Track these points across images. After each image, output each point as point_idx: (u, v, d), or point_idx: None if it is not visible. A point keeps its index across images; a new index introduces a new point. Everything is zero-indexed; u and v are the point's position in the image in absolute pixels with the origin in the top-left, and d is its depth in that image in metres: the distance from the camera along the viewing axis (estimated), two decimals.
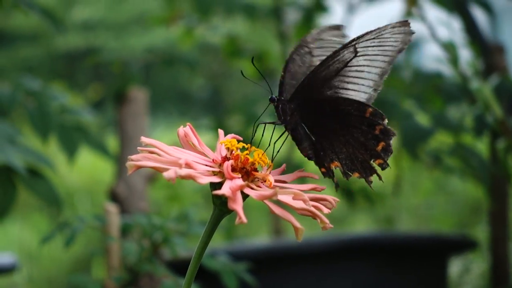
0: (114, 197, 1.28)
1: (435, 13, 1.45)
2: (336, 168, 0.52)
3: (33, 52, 10.89)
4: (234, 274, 0.92)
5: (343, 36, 0.59)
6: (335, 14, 1.74)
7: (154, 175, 1.38)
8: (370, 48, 0.52)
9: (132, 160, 0.45)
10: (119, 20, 9.95)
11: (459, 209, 3.14)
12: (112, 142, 1.54)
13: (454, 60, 1.27)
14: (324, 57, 0.53)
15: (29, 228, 3.90)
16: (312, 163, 0.53)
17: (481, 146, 1.48)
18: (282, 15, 1.51)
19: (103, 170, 3.06)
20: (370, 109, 0.51)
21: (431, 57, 1.32)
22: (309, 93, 0.52)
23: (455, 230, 2.54)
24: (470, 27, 1.49)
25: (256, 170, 0.47)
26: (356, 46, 0.51)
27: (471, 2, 1.45)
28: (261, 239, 2.44)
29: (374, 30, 0.51)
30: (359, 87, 0.53)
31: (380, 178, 0.52)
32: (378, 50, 0.52)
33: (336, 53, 0.51)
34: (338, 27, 0.59)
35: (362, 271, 1.29)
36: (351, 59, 0.52)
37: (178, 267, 1.15)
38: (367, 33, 0.51)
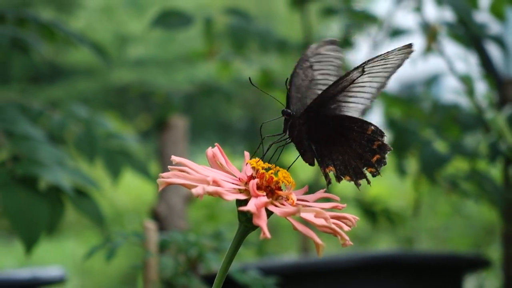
0: (155, 216, 1.27)
1: (453, 49, 1.43)
2: (330, 172, 0.52)
3: (88, 85, 11.00)
4: (263, 287, 0.90)
5: (338, 50, 0.59)
6: (361, 50, 1.73)
7: (193, 196, 1.36)
8: (375, 68, 0.52)
9: (162, 177, 0.43)
10: (167, 57, 10.08)
11: (474, 231, 3.14)
12: (154, 166, 1.53)
13: (470, 92, 1.25)
14: (323, 71, 0.57)
15: (82, 244, 3.92)
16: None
17: (495, 172, 1.46)
18: None
19: (150, 192, 3.07)
20: (372, 127, 0.51)
21: (449, 89, 1.29)
22: (317, 109, 0.52)
23: (470, 250, 2.51)
24: (485, 61, 1.47)
25: (280, 188, 0.45)
26: (365, 66, 0.51)
27: (486, 38, 1.43)
28: (290, 256, 2.42)
29: (384, 53, 0.51)
30: (359, 99, 0.54)
31: (368, 182, 0.51)
32: (381, 68, 0.52)
33: (347, 73, 0.52)
34: (333, 42, 0.59)
35: (382, 286, 1.26)
36: (357, 78, 0.52)
37: (212, 281, 1.13)
38: (377, 56, 0.52)
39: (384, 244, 3.30)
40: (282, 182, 0.45)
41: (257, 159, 0.46)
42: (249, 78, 0.55)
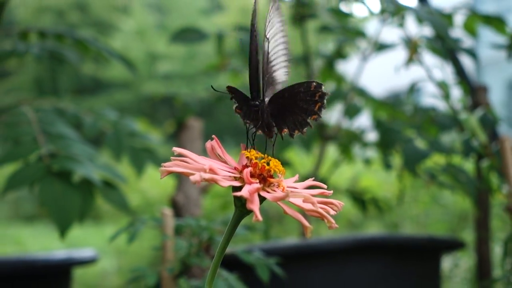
0: (174, 204, 1.23)
1: (431, 59, 1.41)
2: (285, 133, 0.49)
3: (124, 96, 11.09)
4: (266, 267, 0.87)
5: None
6: (352, 60, 1.70)
7: (207, 187, 1.33)
8: (270, 31, 0.51)
9: (164, 166, 0.40)
10: (190, 72, 10.17)
11: (450, 218, 3.16)
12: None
13: (447, 96, 1.23)
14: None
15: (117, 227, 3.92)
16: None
17: (468, 165, 1.43)
18: (310, 61, 1.47)
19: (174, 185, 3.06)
20: (314, 83, 0.48)
21: (428, 94, 1.27)
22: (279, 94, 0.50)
23: (447, 234, 2.50)
24: (459, 70, 1.45)
25: (272, 176, 0.42)
26: (266, 35, 0.51)
27: (460, 51, 1.41)
28: (291, 239, 2.39)
29: (267, 18, 0.51)
30: (280, 63, 0.53)
31: (311, 127, 0.49)
32: (273, 29, 0.52)
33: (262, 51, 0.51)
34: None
35: (372, 265, 1.24)
36: (268, 47, 0.51)
37: (223, 260, 1.10)
38: (267, 23, 0.51)
39: (373, 229, 3.32)
40: (274, 170, 0.42)
41: (251, 150, 0.43)
42: (211, 86, 0.52)
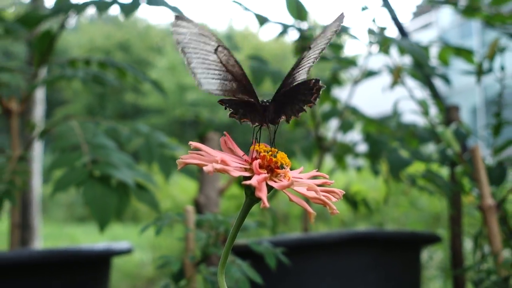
0: (197, 204, 1.20)
1: (412, 82, 1.37)
2: (283, 119, 0.45)
3: (158, 120, 11.16)
4: (273, 255, 0.83)
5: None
6: (346, 86, 1.67)
7: (224, 189, 1.30)
8: (318, 42, 0.46)
9: (182, 158, 0.36)
10: (212, 100, 10.24)
11: (425, 219, 3.16)
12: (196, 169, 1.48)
13: (426, 112, 1.18)
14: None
15: (154, 227, 3.92)
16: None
17: (444, 171, 1.39)
18: None
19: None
20: (313, 80, 0.43)
21: (409, 111, 1.23)
22: (280, 90, 0.45)
23: (426, 230, 2.47)
24: (434, 92, 1.41)
25: (279, 168, 0.38)
26: (311, 46, 0.45)
27: (436, 76, 1.37)
28: (295, 233, 2.35)
29: (323, 31, 0.45)
30: (305, 68, 0.46)
31: (305, 111, 0.45)
32: (321, 40, 0.46)
33: (302, 56, 0.46)
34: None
35: (363, 256, 1.20)
36: (306, 54, 0.46)
37: (237, 250, 1.06)
38: (319, 34, 0.46)
39: (362, 227, 3.30)
40: (280, 162, 0.38)
41: (260, 144, 0.39)
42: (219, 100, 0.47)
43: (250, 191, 0.37)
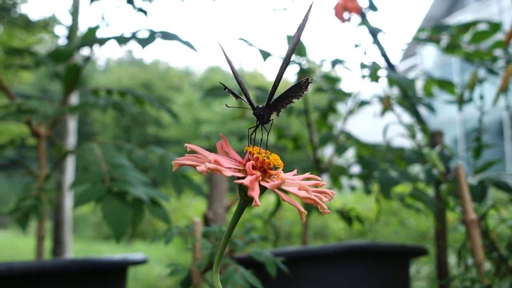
0: (205, 219, 1.16)
1: (400, 110, 1.34)
2: (273, 113, 0.42)
3: (177, 149, 11.16)
4: (274, 264, 0.79)
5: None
6: (341, 114, 1.64)
7: (231, 205, 1.26)
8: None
9: (177, 160, 0.33)
10: (224, 132, 10.30)
11: (412, 237, 3.13)
12: (205, 187, 1.44)
13: (413, 135, 1.15)
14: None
15: (171, 244, 3.90)
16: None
17: (430, 190, 1.35)
18: (309, 113, 1.40)
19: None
20: (303, 80, 0.40)
21: (397, 135, 1.20)
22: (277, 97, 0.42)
23: (414, 244, 2.44)
24: (419, 119, 1.38)
25: (271, 169, 0.35)
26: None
27: (422, 105, 1.35)
28: (294, 246, 2.31)
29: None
30: None
31: (293, 102, 0.42)
32: None
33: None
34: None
35: (357, 267, 1.15)
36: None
37: (240, 260, 1.03)
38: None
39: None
40: (273, 164, 0.35)
41: (254, 146, 0.36)
42: (226, 104, 0.45)
43: (243, 191, 0.34)
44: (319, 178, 0.36)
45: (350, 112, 1.42)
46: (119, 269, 1.11)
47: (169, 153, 1.16)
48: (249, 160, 0.34)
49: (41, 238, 1.17)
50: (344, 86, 1.62)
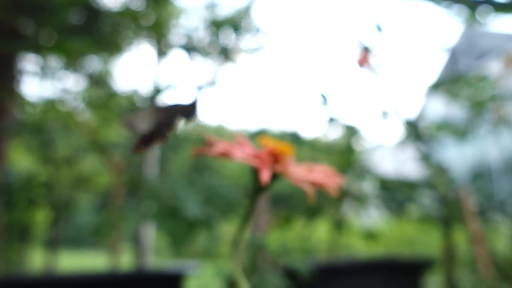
0: None
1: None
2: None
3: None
4: (307, 271, 0.72)
5: None
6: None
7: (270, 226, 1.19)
8: None
9: (193, 150, 0.28)
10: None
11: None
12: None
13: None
14: None
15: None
16: None
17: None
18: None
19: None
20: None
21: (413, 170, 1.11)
22: None
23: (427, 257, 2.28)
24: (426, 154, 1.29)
25: (282, 156, 0.29)
26: None
27: (426, 141, 1.26)
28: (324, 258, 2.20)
29: None
30: None
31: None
32: None
33: None
34: None
35: (375, 279, 1.06)
36: None
37: (286, 272, 0.95)
38: None
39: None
40: (283, 150, 0.29)
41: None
42: None
43: (255, 177, 0.29)
44: (329, 168, 0.31)
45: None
46: (172, 279, 1.05)
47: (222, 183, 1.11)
48: (262, 149, 0.29)
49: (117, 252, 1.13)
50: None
